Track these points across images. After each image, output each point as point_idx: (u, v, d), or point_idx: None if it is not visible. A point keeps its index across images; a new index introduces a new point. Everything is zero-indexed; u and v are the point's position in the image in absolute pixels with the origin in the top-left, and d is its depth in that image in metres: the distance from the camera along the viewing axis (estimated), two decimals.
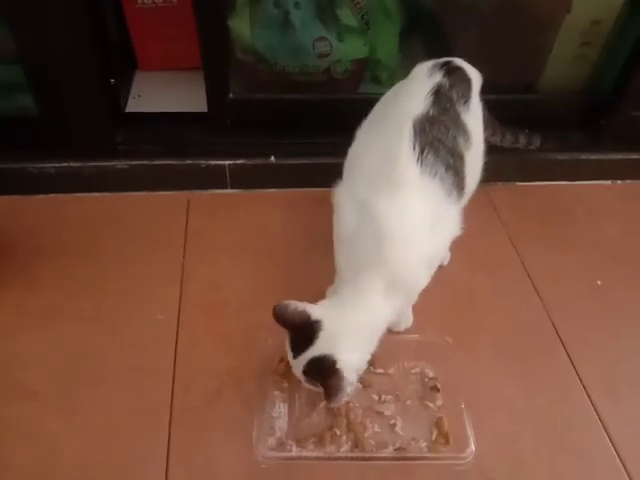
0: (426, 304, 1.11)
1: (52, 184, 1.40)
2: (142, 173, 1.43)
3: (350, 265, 0.97)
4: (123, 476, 0.94)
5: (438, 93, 1.01)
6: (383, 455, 0.96)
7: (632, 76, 1.45)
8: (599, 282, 1.30)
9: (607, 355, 1.16)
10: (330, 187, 1.03)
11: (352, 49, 1.49)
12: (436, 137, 0.97)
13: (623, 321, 1.23)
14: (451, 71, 1.06)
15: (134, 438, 0.98)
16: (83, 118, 1.35)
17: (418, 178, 0.94)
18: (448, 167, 0.97)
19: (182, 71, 1.64)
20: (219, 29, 1.32)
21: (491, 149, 1.16)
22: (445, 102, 1.02)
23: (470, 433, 0.95)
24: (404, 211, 0.93)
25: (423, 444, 0.98)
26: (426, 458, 0.97)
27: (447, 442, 0.97)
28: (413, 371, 1.09)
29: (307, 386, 0.94)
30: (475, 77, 1.12)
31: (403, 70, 1.16)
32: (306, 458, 0.95)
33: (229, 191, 1.48)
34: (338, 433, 0.98)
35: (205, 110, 1.44)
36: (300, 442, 0.97)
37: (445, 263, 1.26)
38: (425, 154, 0.95)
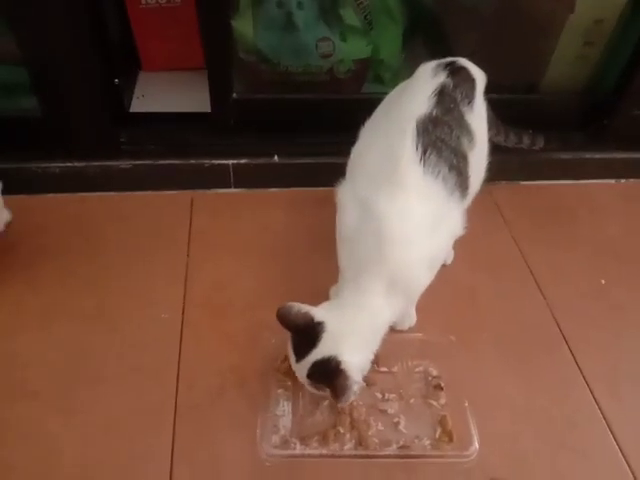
0: (429, 303, 1.12)
1: (56, 184, 1.40)
2: (146, 173, 1.43)
3: (351, 264, 0.97)
4: (126, 475, 0.94)
5: (442, 93, 1.02)
6: (387, 453, 0.96)
7: (635, 75, 1.45)
8: (603, 281, 1.30)
9: (610, 354, 1.16)
10: (334, 186, 1.03)
11: (355, 49, 1.50)
12: (439, 137, 0.98)
13: (626, 320, 1.23)
14: (455, 71, 1.06)
15: (136, 437, 0.98)
16: (87, 118, 1.36)
17: (420, 178, 0.94)
18: (451, 167, 0.97)
19: (185, 71, 1.65)
20: (222, 29, 1.33)
21: (494, 148, 1.16)
22: (449, 102, 1.02)
23: (474, 431, 0.95)
24: (405, 211, 0.93)
25: (427, 442, 0.98)
26: (429, 456, 0.97)
27: (451, 440, 0.98)
28: (417, 370, 1.09)
29: (311, 389, 0.94)
30: (479, 77, 1.12)
31: (406, 70, 1.16)
32: (310, 456, 0.96)
33: (233, 190, 1.48)
34: (342, 431, 0.98)
35: (208, 110, 1.45)
36: (304, 440, 0.97)
37: (448, 262, 1.26)
38: (428, 154, 0.95)
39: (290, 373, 1.02)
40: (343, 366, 0.86)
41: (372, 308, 0.93)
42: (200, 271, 1.27)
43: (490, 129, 1.16)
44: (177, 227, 1.36)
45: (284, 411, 1.01)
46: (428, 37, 1.64)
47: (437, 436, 0.99)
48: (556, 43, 1.48)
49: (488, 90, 1.14)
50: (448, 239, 1.06)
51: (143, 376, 1.07)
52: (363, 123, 1.08)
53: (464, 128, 1.03)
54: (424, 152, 0.94)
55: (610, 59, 1.51)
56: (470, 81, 1.09)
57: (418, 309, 1.15)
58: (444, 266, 1.21)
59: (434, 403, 1.04)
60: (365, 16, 1.47)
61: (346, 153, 1.06)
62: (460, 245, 1.11)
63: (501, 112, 1.24)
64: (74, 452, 0.96)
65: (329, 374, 0.87)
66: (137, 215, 1.39)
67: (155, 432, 0.99)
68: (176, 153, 1.45)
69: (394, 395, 1.05)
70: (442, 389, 1.05)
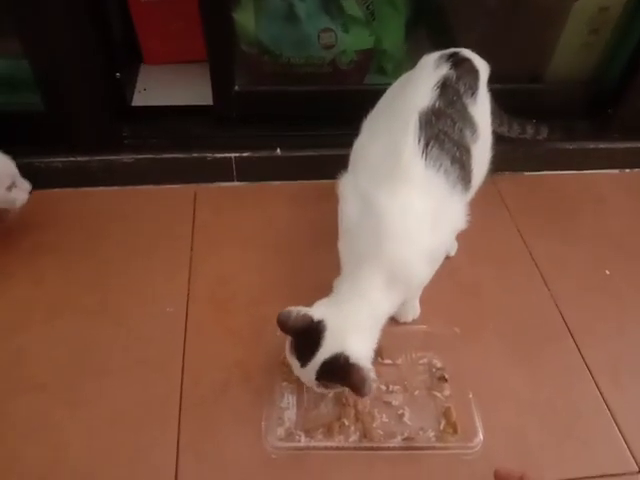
0: (433, 295, 1.12)
1: (59, 178, 1.40)
2: (148, 167, 1.43)
3: (351, 257, 0.96)
4: (132, 466, 0.95)
5: (445, 86, 1.00)
6: (391, 445, 0.96)
7: None
8: (607, 272, 1.30)
9: (614, 345, 1.16)
10: (337, 179, 1.03)
11: (357, 40, 1.49)
12: (442, 130, 0.97)
13: (630, 311, 1.23)
14: (458, 63, 1.05)
15: (142, 429, 0.99)
16: (89, 113, 1.36)
17: (422, 172, 0.93)
18: (454, 160, 0.96)
19: (187, 64, 1.64)
20: (224, 22, 1.32)
21: (498, 139, 1.16)
22: (452, 94, 1.01)
23: (478, 423, 0.96)
24: (405, 205, 0.92)
25: (431, 434, 0.99)
26: (434, 448, 0.97)
27: (455, 432, 0.98)
28: (421, 361, 1.09)
29: (319, 390, 0.94)
30: (483, 68, 1.11)
31: (409, 61, 1.16)
32: (315, 448, 0.96)
33: (235, 184, 1.48)
34: (346, 423, 0.99)
35: (211, 103, 1.44)
36: (309, 432, 0.97)
37: (452, 254, 1.26)
38: (430, 147, 0.94)
39: None
40: (353, 360, 0.86)
41: (370, 301, 0.92)
42: (204, 265, 1.27)
43: (494, 120, 1.15)
44: (180, 221, 1.36)
45: (289, 404, 1.02)
46: (431, 27, 1.63)
47: (441, 428, 0.99)
48: (561, 31, 1.47)
49: (492, 80, 1.13)
50: (450, 233, 1.05)
51: (148, 369, 1.07)
52: (366, 115, 1.08)
53: (467, 120, 1.02)
54: (426, 145, 0.93)
55: (615, 47, 1.50)
56: (473, 72, 1.08)
57: (422, 301, 1.15)
58: (448, 258, 1.21)
59: (438, 395, 1.04)
60: (367, 6, 1.46)
61: (349, 145, 1.06)
62: (464, 236, 1.10)
63: (505, 102, 1.23)
64: (80, 444, 0.97)
65: (341, 371, 0.86)
66: (140, 209, 1.39)
67: (161, 424, 1.00)
68: (178, 147, 1.44)
69: (398, 387, 1.05)
70: (446, 381, 1.05)
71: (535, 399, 1.06)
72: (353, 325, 0.90)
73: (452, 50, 1.09)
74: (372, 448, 0.96)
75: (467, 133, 1.01)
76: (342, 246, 1.00)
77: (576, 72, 1.55)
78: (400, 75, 1.14)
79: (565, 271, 1.30)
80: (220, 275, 1.25)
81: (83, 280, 1.23)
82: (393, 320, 1.11)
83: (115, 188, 1.44)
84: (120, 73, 1.45)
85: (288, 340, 0.92)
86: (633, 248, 1.36)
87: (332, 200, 1.03)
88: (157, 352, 1.10)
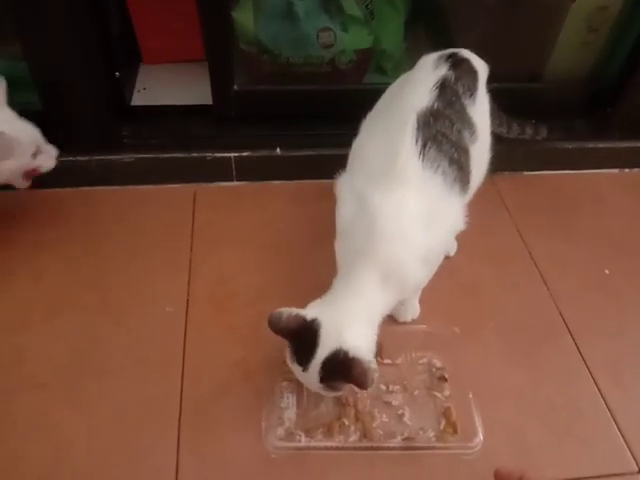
0: (433, 294, 1.12)
1: (58, 178, 1.39)
2: (148, 166, 1.43)
3: (346, 257, 0.96)
4: (133, 465, 0.95)
5: (443, 86, 1.00)
6: (391, 445, 0.96)
7: (639, 62, 1.43)
8: (607, 271, 1.30)
9: (614, 344, 1.16)
10: (335, 178, 1.03)
11: (356, 39, 1.49)
12: (440, 131, 0.96)
13: (630, 310, 1.23)
14: (457, 64, 1.05)
15: (142, 429, 0.99)
16: (88, 112, 1.36)
17: (418, 173, 0.93)
18: (452, 161, 0.96)
19: (186, 64, 1.64)
20: (222, 21, 1.32)
21: (497, 139, 1.16)
22: (450, 95, 1.01)
23: (478, 423, 0.96)
24: (400, 205, 0.92)
25: (431, 434, 0.99)
26: (434, 448, 0.97)
27: (455, 432, 0.98)
28: (421, 361, 1.09)
29: (327, 393, 0.94)
30: (482, 69, 1.11)
31: (408, 60, 1.16)
32: (315, 448, 0.96)
33: (235, 183, 1.48)
34: (346, 423, 0.99)
35: (210, 102, 1.44)
36: (309, 432, 0.97)
37: (452, 253, 1.26)
38: (428, 148, 0.94)
39: None
40: (353, 353, 0.85)
41: (366, 299, 0.91)
42: (203, 264, 1.27)
43: (493, 120, 1.15)
44: (180, 221, 1.36)
45: (289, 403, 1.02)
46: (430, 27, 1.63)
47: (441, 428, 0.99)
48: (559, 30, 1.47)
49: (491, 79, 1.13)
50: (447, 234, 1.04)
51: (148, 369, 1.07)
52: (365, 115, 1.08)
53: (466, 121, 1.02)
54: (424, 146, 0.93)
55: (614, 46, 1.50)
56: (472, 73, 1.08)
57: (421, 301, 1.15)
58: (447, 258, 1.21)
59: (438, 395, 1.04)
60: (366, 6, 1.46)
61: (348, 144, 1.06)
62: (463, 236, 1.10)
63: (503, 101, 1.23)
64: (80, 443, 0.97)
65: (343, 368, 0.85)
66: (140, 209, 1.39)
67: (161, 424, 1.00)
68: (178, 146, 1.44)
69: (398, 387, 1.05)
70: (446, 381, 1.05)
71: (535, 399, 1.06)
72: (348, 320, 0.89)
73: (451, 51, 1.09)
74: (372, 448, 0.96)
75: (466, 134, 1.01)
76: (338, 246, 1.00)
77: (575, 71, 1.55)
78: (399, 74, 1.14)
79: (564, 270, 1.30)
80: (220, 275, 1.25)
81: (83, 279, 1.23)
82: (393, 320, 1.11)
83: (114, 188, 1.44)
84: (119, 72, 1.45)
85: (287, 348, 0.91)
86: (632, 247, 1.36)
87: (332, 199, 1.03)
88: (157, 352, 1.10)
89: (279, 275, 1.24)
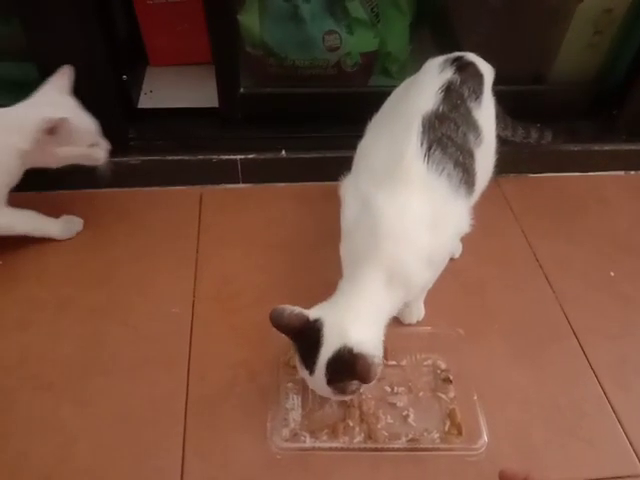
0: (438, 296, 1.12)
1: (64, 180, 1.41)
2: (154, 168, 1.44)
3: (351, 259, 0.96)
4: (138, 465, 0.95)
5: (449, 90, 1.01)
6: (396, 446, 0.97)
7: None
8: (612, 273, 1.30)
9: (618, 345, 1.16)
10: (340, 181, 1.03)
11: (362, 42, 1.49)
12: (445, 134, 0.97)
13: (634, 312, 1.23)
14: (462, 67, 1.05)
15: (148, 428, 1.00)
16: (95, 114, 1.36)
17: (423, 175, 0.93)
18: (456, 164, 0.96)
19: (193, 66, 1.65)
20: (229, 24, 1.33)
21: (503, 141, 1.16)
22: (456, 99, 1.01)
23: (483, 424, 0.96)
24: (403, 208, 0.92)
25: (436, 435, 0.99)
26: (439, 449, 0.97)
27: (460, 433, 0.98)
28: (425, 363, 1.09)
29: (339, 397, 0.93)
30: (487, 72, 1.11)
31: (414, 62, 1.16)
32: (320, 449, 0.96)
33: (241, 186, 1.49)
34: (351, 424, 0.99)
35: (216, 105, 1.45)
36: (314, 433, 0.98)
37: (457, 255, 1.26)
38: (432, 151, 0.94)
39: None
40: (357, 349, 0.84)
41: (370, 299, 0.91)
42: (209, 266, 1.28)
43: (498, 124, 1.15)
44: (186, 223, 1.37)
45: (294, 404, 1.02)
46: (435, 29, 1.63)
47: (446, 429, 0.99)
48: (565, 33, 1.47)
49: (496, 81, 1.14)
50: (452, 236, 1.04)
51: (154, 368, 1.08)
52: (370, 117, 1.08)
53: (471, 124, 1.02)
54: (429, 148, 0.93)
55: (619, 48, 1.50)
56: (478, 77, 1.08)
57: (426, 302, 1.15)
58: (452, 259, 1.21)
59: (443, 396, 1.04)
60: (372, 9, 1.46)
61: (353, 147, 1.06)
62: (468, 238, 1.10)
63: (509, 104, 1.23)
64: (86, 442, 0.98)
65: (348, 365, 0.84)
66: (146, 211, 1.40)
67: (167, 423, 1.01)
68: (184, 149, 1.45)
69: (403, 388, 1.05)
70: (451, 382, 1.05)
71: (539, 400, 1.06)
72: (352, 319, 0.88)
73: (456, 54, 1.09)
74: (377, 449, 0.97)
75: (471, 137, 1.01)
76: (343, 248, 1.00)
77: (580, 73, 1.55)
78: (404, 77, 1.14)
79: (569, 272, 1.30)
80: (226, 275, 1.26)
81: (90, 280, 1.24)
82: (397, 321, 1.12)
83: (121, 190, 1.45)
84: (127, 75, 1.45)
85: (296, 355, 0.90)
86: (637, 249, 1.36)
87: (336, 201, 1.03)
88: (163, 351, 1.11)
89: (285, 276, 1.25)
